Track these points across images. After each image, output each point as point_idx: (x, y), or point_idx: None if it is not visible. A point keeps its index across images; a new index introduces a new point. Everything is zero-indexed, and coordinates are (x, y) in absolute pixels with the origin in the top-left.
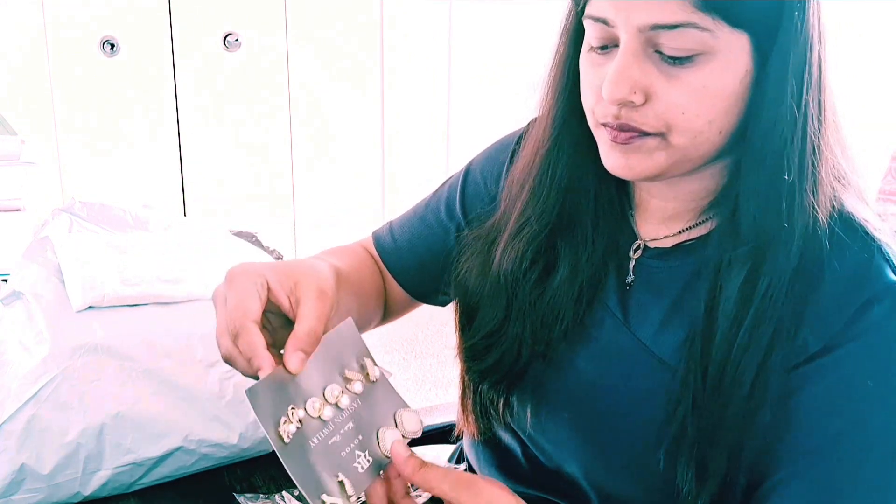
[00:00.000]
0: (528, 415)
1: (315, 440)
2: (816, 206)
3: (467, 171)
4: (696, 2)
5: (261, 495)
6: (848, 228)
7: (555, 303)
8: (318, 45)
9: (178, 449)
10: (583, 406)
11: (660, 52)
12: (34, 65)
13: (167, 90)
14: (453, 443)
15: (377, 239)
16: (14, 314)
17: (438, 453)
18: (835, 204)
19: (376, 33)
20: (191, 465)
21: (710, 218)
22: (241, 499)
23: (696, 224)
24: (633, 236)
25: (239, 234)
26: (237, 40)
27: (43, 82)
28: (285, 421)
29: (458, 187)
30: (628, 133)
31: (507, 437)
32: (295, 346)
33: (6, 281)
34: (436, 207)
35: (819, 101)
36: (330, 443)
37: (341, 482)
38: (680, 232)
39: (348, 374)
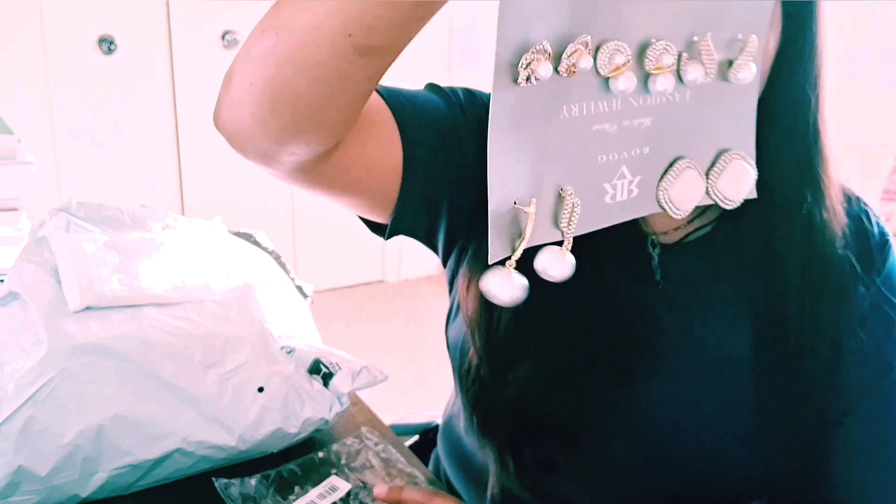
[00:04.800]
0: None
1: (570, 109)
2: (830, 162)
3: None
4: None
5: (234, 481)
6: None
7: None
8: None
9: (176, 451)
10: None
11: None
12: (32, 63)
13: (165, 89)
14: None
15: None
16: (11, 315)
17: None
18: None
19: None
20: (189, 466)
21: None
22: (218, 483)
23: (703, 212)
24: (641, 232)
25: (237, 235)
26: (236, 38)
27: (40, 81)
28: (537, 50)
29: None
30: None
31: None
32: None
33: (2, 281)
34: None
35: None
36: (594, 129)
37: (562, 197)
38: (690, 221)
39: (699, 41)
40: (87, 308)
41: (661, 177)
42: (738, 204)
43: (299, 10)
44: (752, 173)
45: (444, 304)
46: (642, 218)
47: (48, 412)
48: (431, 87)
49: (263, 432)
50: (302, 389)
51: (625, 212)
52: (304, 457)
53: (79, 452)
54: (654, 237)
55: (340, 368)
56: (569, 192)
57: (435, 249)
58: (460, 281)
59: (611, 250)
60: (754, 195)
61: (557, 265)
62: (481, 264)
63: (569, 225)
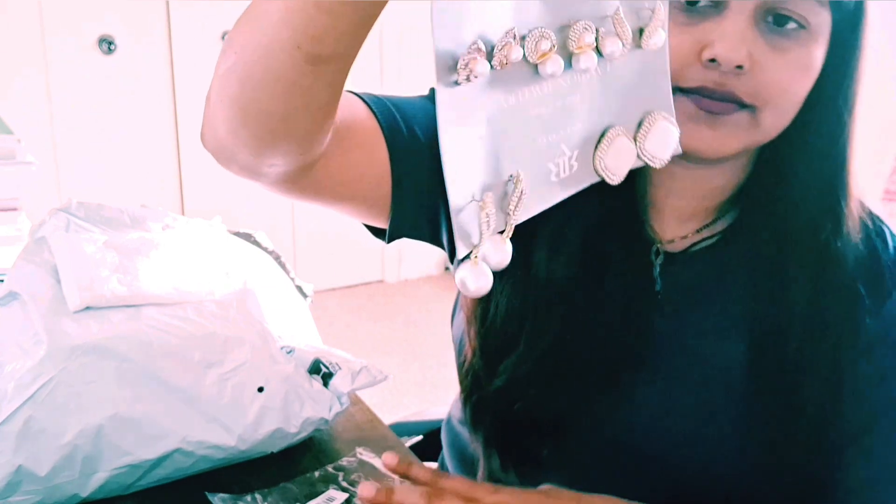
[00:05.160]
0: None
1: (508, 99)
2: (853, 190)
3: None
4: None
5: (232, 497)
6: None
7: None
8: None
9: (176, 451)
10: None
11: (773, 19)
12: (31, 63)
13: (165, 89)
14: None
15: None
16: (10, 315)
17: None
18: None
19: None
20: (189, 466)
21: (724, 215)
22: (214, 499)
23: (711, 222)
24: (647, 240)
25: (237, 235)
26: None
27: (40, 81)
28: (472, 49)
29: None
30: (726, 103)
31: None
32: None
33: (2, 281)
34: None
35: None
36: (533, 114)
37: (513, 181)
38: (698, 230)
39: (614, 16)
40: (87, 308)
41: (596, 147)
42: (666, 162)
43: (252, 29)
44: (675, 132)
45: (443, 304)
46: (649, 225)
47: (48, 412)
48: (433, 90)
49: (263, 432)
50: (302, 389)
51: (568, 188)
52: (301, 476)
53: (78, 452)
54: (659, 245)
55: (340, 368)
56: (520, 179)
57: (442, 247)
58: None
59: (614, 256)
60: (679, 151)
61: (496, 253)
62: None
63: (514, 212)
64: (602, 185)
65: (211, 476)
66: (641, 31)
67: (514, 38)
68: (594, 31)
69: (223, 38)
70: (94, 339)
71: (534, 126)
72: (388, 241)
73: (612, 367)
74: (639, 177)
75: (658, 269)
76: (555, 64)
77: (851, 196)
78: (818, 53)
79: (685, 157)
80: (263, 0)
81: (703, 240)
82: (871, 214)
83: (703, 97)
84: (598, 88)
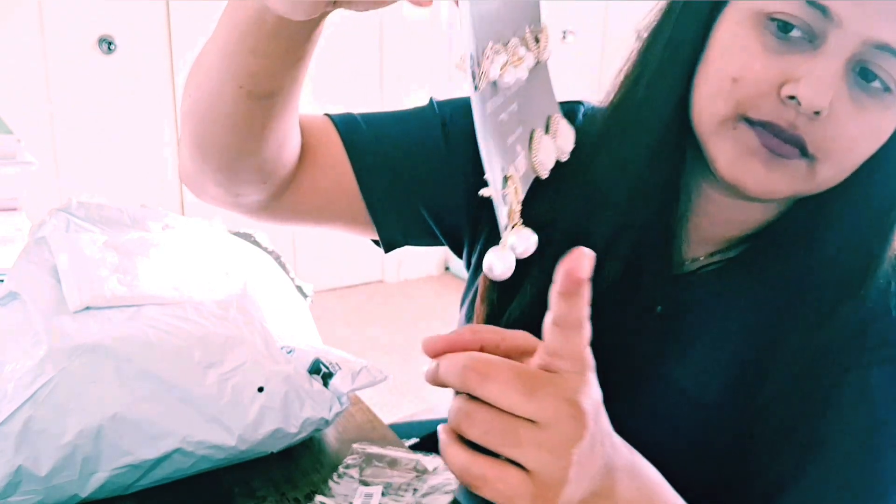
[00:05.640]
0: None
1: (487, 107)
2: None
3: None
4: None
5: None
6: None
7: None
8: None
9: (176, 451)
10: None
11: (860, 71)
12: (31, 63)
13: (165, 89)
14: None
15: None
16: (10, 315)
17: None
18: None
19: (376, 34)
20: (189, 466)
21: (742, 243)
22: None
23: (725, 248)
24: (676, 260)
25: (237, 234)
26: None
27: (40, 81)
28: (492, 51)
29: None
30: (792, 148)
31: None
32: None
33: (2, 281)
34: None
35: None
36: (499, 119)
37: (508, 177)
38: (712, 254)
39: (519, 40)
40: (87, 308)
41: (530, 147)
42: (568, 155)
43: (200, 74)
44: (571, 129)
45: (444, 304)
46: (685, 244)
47: (48, 412)
48: (431, 101)
49: (263, 432)
50: (302, 389)
51: (525, 185)
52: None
53: (78, 452)
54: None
55: (340, 368)
56: (511, 174)
57: (451, 248)
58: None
59: (646, 271)
60: (573, 145)
61: (521, 242)
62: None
63: (519, 203)
64: (650, 199)
65: (211, 476)
66: (542, 46)
67: (487, 55)
68: (511, 50)
69: None
70: (95, 339)
71: (503, 130)
72: (386, 252)
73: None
74: (683, 196)
75: (660, 290)
76: (510, 76)
77: (881, 266)
78: (894, 121)
79: (728, 189)
80: (207, 46)
81: (712, 264)
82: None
83: (770, 134)
84: (524, 96)
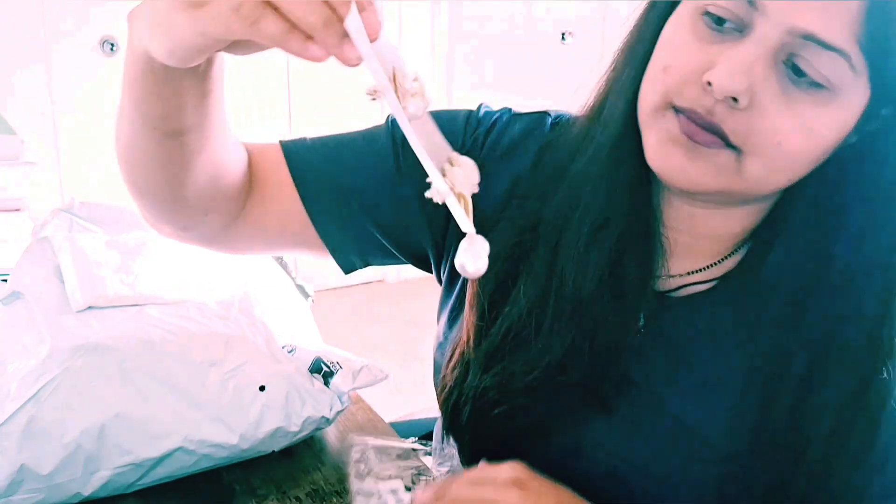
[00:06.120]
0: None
1: (409, 109)
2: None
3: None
4: (860, 37)
5: None
6: None
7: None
8: None
9: (177, 449)
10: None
11: (791, 65)
12: (34, 64)
13: None
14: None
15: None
16: (14, 314)
17: None
18: None
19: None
20: (191, 465)
21: (720, 262)
22: None
23: (708, 267)
24: (654, 270)
25: None
26: None
27: (43, 82)
28: (399, 73)
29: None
30: (711, 136)
31: None
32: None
33: (6, 281)
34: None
35: None
36: (421, 123)
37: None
38: (689, 273)
39: (413, 77)
40: (90, 307)
41: (444, 174)
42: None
43: (120, 122)
44: (472, 161)
45: None
46: (663, 256)
47: (51, 411)
48: (388, 121)
49: (264, 431)
50: (303, 388)
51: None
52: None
53: (81, 451)
54: (659, 279)
55: (341, 367)
56: (445, 167)
57: (416, 266)
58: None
59: (629, 278)
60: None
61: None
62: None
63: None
64: (622, 199)
65: (212, 475)
66: (424, 90)
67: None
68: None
69: None
70: (97, 338)
71: (426, 130)
72: (346, 273)
73: (570, 400)
74: (654, 202)
75: (645, 310)
76: (414, 106)
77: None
78: (832, 120)
79: (688, 193)
80: (122, 91)
81: (695, 283)
82: None
83: (689, 120)
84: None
